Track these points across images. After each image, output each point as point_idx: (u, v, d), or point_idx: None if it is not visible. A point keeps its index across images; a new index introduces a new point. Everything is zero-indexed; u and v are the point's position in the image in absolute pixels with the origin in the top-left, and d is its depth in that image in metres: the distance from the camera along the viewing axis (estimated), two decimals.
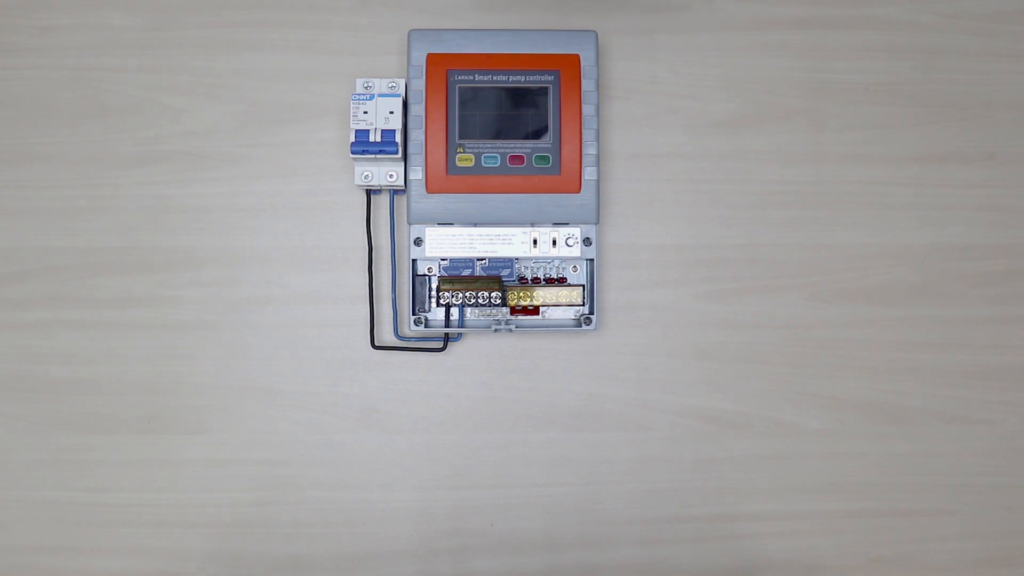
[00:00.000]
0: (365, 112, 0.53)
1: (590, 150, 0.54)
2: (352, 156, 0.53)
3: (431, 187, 0.53)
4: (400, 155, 0.53)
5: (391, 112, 0.53)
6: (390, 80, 0.54)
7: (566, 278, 0.55)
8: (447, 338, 0.56)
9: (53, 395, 0.56)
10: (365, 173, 0.54)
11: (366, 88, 0.54)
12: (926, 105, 0.58)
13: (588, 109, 0.54)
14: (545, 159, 0.53)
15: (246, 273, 0.56)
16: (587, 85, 0.54)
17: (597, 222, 0.54)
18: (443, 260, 0.55)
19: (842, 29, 0.58)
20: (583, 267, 0.55)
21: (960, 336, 0.58)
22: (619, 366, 0.56)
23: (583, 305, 0.55)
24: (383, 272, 0.56)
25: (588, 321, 0.54)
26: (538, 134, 0.53)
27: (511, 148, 0.53)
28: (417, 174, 0.53)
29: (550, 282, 0.55)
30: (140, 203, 0.56)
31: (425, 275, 0.55)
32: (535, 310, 0.55)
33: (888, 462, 0.57)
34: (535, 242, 0.54)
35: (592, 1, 0.57)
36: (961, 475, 0.57)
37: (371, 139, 0.53)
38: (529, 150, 0.53)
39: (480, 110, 0.53)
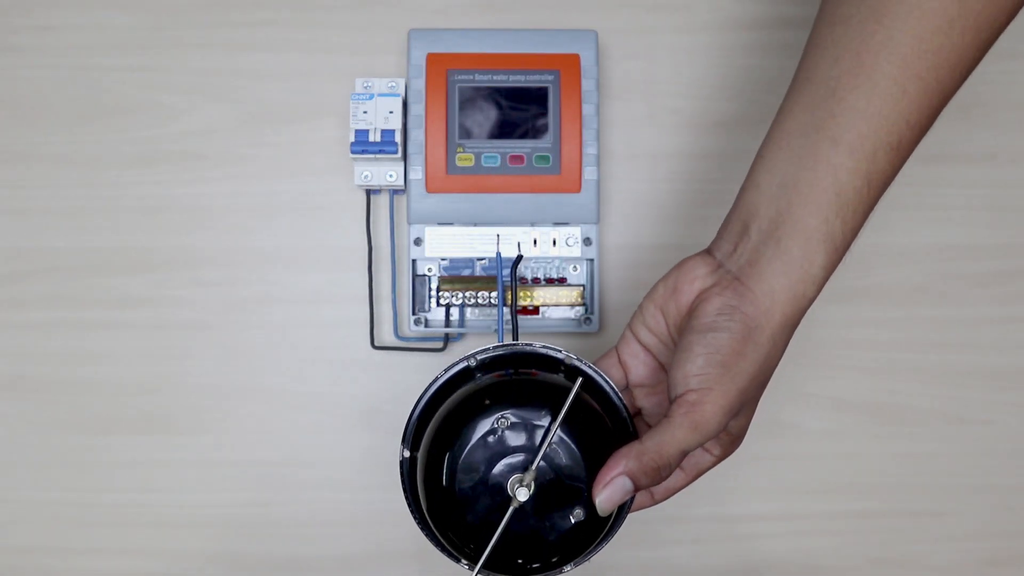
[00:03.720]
0: (365, 112, 0.53)
1: (590, 150, 0.54)
2: (352, 156, 0.53)
3: (431, 187, 0.53)
4: (400, 155, 0.53)
5: (391, 112, 0.53)
6: (390, 80, 0.54)
7: (566, 278, 0.55)
8: (447, 338, 0.56)
9: (53, 395, 0.56)
10: (365, 173, 0.54)
11: (366, 88, 0.54)
12: None
13: (588, 109, 0.54)
14: (545, 159, 0.53)
15: (245, 273, 0.56)
16: (587, 85, 0.54)
17: (597, 222, 0.54)
18: (443, 260, 0.55)
19: None
20: (583, 267, 0.55)
21: (960, 336, 0.57)
22: None
23: (583, 305, 0.55)
24: (383, 272, 0.56)
25: (588, 321, 0.54)
26: (538, 134, 0.53)
27: (511, 148, 0.53)
28: (417, 174, 0.53)
29: (550, 282, 0.55)
30: (140, 203, 0.56)
31: (425, 275, 0.55)
32: (535, 310, 0.55)
33: (888, 462, 0.57)
34: (535, 242, 0.54)
35: (592, 1, 0.57)
36: (961, 475, 0.57)
37: (371, 139, 0.53)
38: (529, 150, 0.53)
39: (480, 110, 0.53)
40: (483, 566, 0.38)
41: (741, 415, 0.40)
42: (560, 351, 0.42)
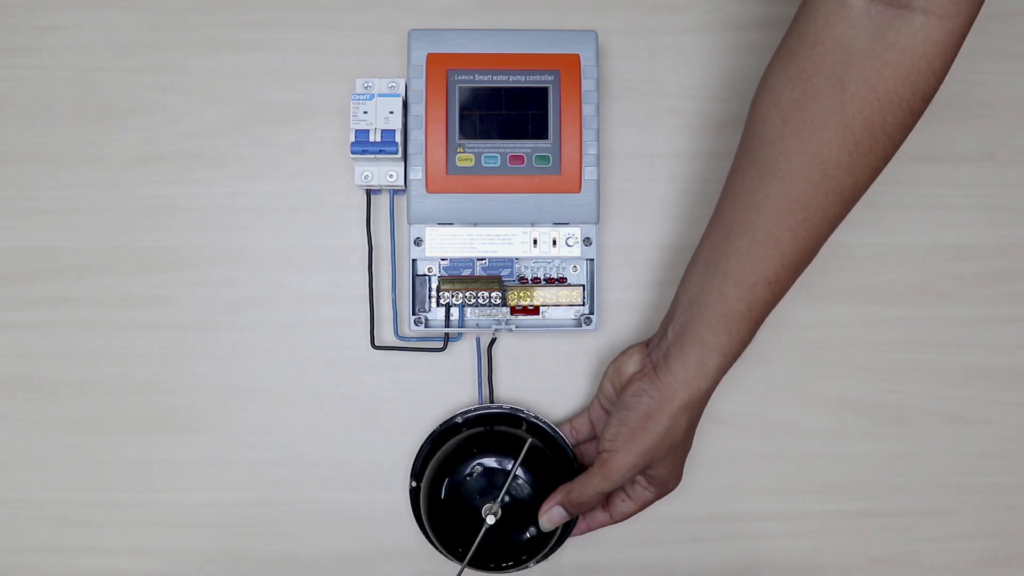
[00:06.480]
0: (365, 112, 0.53)
1: (590, 150, 0.54)
2: (352, 156, 0.53)
3: (431, 187, 0.53)
4: (400, 155, 0.53)
5: (391, 112, 0.53)
6: (390, 80, 0.54)
7: (566, 278, 0.55)
8: (447, 338, 0.56)
9: (53, 395, 0.56)
10: (365, 173, 0.54)
11: (366, 88, 0.54)
12: None
13: (588, 109, 0.54)
14: (545, 159, 0.53)
15: (246, 273, 0.56)
16: (587, 85, 0.54)
17: (597, 222, 0.54)
18: (443, 260, 0.55)
19: None
20: (583, 267, 0.55)
21: (960, 336, 0.58)
22: None
23: (583, 305, 0.55)
24: (383, 272, 0.56)
25: (588, 321, 0.54)
26: (538, 134, 0.53)
27: (511, 148, 0.53)
28: (417, 174, 0.53)
29: (550, 282, 0.55)
30: (140, 203, 0.56)
31: (425, 275, 0.55)
32: (535, 310, 0.55)
33: (888, 462, 0.57)
34: (535, 242, 0.54)
35: (592, 1, 0.57)
36: (961, 475, 0.57)
37: (371, 139, 0.53)
38: (529, 150, 0.53)
39: (480, 110, 0.53)
40: (467, 565, 0.52)
41: (659, 467, 0.50)
42: (523, 411, 0.55)
